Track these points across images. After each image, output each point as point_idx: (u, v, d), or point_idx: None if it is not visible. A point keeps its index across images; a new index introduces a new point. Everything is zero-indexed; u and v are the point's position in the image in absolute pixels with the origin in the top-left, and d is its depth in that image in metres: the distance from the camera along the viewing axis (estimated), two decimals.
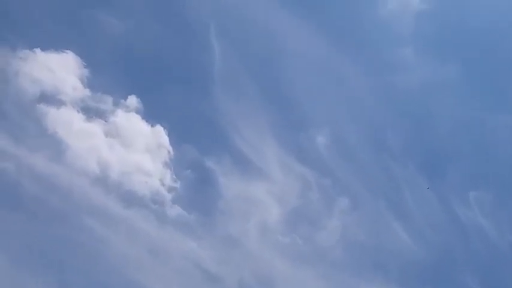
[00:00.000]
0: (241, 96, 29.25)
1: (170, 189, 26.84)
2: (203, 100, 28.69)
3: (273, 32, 30.72)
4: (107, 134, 26.85)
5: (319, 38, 30.88)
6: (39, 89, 26.39)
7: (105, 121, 26.98)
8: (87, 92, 27.13)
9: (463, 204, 28.91)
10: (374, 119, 30.33)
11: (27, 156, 25.26)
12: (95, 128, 26.77)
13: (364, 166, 29.32)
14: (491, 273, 27.80)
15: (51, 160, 25.65)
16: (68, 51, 27.30)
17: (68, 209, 25.25)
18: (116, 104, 27.31)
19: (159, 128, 27.52)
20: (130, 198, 26.07)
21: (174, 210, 26.47)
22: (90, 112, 26.90)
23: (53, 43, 27.07)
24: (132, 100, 27.54)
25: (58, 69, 26.93)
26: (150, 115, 27.54)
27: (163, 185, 26.81)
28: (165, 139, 27.46)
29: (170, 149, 27.42)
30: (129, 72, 28.45)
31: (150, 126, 27.50)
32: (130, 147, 27.03)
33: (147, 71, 28.70)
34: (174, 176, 27.09)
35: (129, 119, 27.33)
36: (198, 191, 27.49)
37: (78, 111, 26.72)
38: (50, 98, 26.47)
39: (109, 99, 27.27)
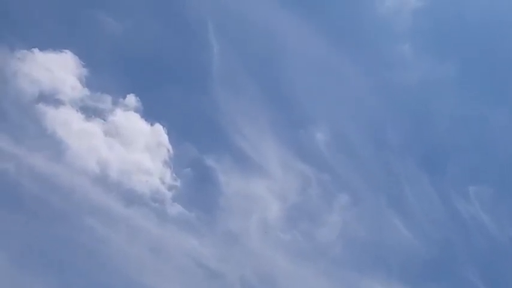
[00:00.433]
0: (241, 94, 29.29)
1: (170, 188, 26.87)
2: (202, 98, 28.74)
3: (271, 30, 30.75)
4: (106, 133, 26.84)
5: (318, 35, 30.91)
6: (37, 89, 26.38)
7: (104, 120, 26.99)
8: (86, 91, 27.12)
9: (463, 199, 28.99)
10: (373, 115, 30.37)
11: (27, 156, 25.26)
12: (94, 127, 26.74)
13: (364, 162, 29.37)
14: (492, 268, 27.86)
15: (51, 160, 25.64)
16: (66, 50, 27.28)
17: (68, 208, 25.25)
18: (115, 103, 27.31)
19: (159, 127, 27.52)
20: (130, 197, 26.09)
21: (175, 209, 26.48)
22: (89, 111, 26.92)
23: (51, 43, 27.09)
24: (131, 99, 27.55)
25: (56, 69, 26.90)
26: (149, 114, 27.56)
27: (163, 183, 26.81)
28: (164, 138, 27.46)
29: (170, 147, 27.43)
30: (128, 71, 28.44)
31: (149, 125, 27.50)
32: (130, 146, 27.03)
33: (146, 70, 28.72)
34: (174, 175, 27.13)
35: (128, 118, 27.31)
36: (198, 189, 27.51)
37: (77, 111, 26.71)
38: (49, 98, 26.47)
39: (108, 99, 27.27)
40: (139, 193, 26.28)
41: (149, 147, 27.28)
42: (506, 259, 27.99)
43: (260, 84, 29.63)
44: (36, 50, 26.81)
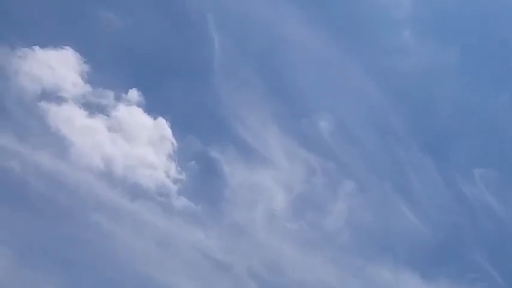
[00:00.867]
0: (242, 86, 29.24)
1: (175, 181, 26.86)
2: (204, 91, 28.72)
3: (270, 22, 30.64)
4: (110, 129, 26.84)
5: (317, 25, 30.78)
6: (39, 87, 26.35)
7: (107, 116, 26.97)
8: (88, 87, 27.08)
9: (468, 182, 29.00)
10: (376, 102, 30.28)
11: (32, 155, 25.28)
12: (98, 123, 26.74)
13: (368, 149, 29.35)
14: (500, 249, 27.91)
15: (55, 157, 25.66)
16: (67, 47, 27.21)
17: (73, 205, 25.28)
18: (117, 99, 27.28)
19: (162, 121, 27.50)
20: (135, 192, 26.10)
21: (180, 202, 26.49)
22: (92, 108, 26.88)
23: (51, 40, 27.03)
24: (133, 94, 27.52)
25: (58, 66, 26.86)
26: (152, 108, 27.54)
27: (168, 177, 26.82)
28: (167, 131, 27.44)
29: (173, 140, 27.42)
30: (129, 66, 28.39)
31: (152, 119, 27.48)
32: (134, 141, 27.04)
33: (147, 65, 28.67)
34: (178, 168, 27.11)
35: (131, 113, 27.29)
36: (204, 181, 27.52)
37: (79, 108, 26.70)
38: (51, 95, 26.45)
39: (110, 94, 27.22)
40: (145, 187, 26.34)
41: (153, 142, 27.30)
42: None
43: (261, 75, 29.63)
44: (36, 48, 26.80)
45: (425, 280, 26.93)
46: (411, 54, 31.22)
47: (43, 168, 25.28)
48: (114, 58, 28.25)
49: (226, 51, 29.51)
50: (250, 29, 30.43)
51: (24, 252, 23.93)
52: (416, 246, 27.76)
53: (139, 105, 27.47)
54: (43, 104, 26.19)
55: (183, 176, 27.01)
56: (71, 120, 26.34)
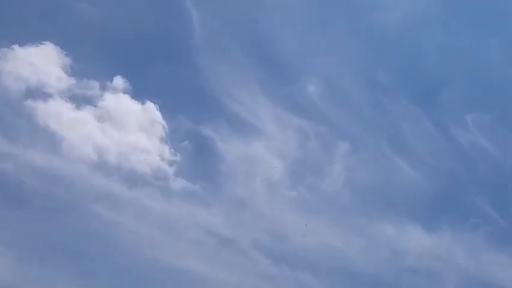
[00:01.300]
0: (227, 59, 29.08)
1: (171, 163, 26.87)
2: (189, 69, 28.59)
3: None
4: (99, 119, 26.78)
5: None
6: (24, 86, 26.29)
7: (95, 106, 26.91)
8: (72, 80, 27.01)
9: (461, 129, 29.02)
10: (362, 59, 30.13)
11: (24, 154, 25.27)
12: (86, 115, 26.69)
13: (359, 108, 29.31)
14: (499, 192, 27.93)
15: (48, 153, 25.65)
16: (46, 42, 27.11)
17: (72, 198, 25.34)
18: (103, 88, 27.20)
19: (150, 105, 27.43)
20: (132, 178, 26.11)
21: (178, 183, 26.49)
22: (79, 100, 26.80)
23: (29, 37, 26.89)
24: (118, 81, 27.44)
25: (39, 63, 26.77)
26: (139, 93, 27.45)
27: (163, 160, 26.83)
28: (157, 114, 27.39)
29: (164, 123, 27.38)
30: (111, 53, 28.27)
31: (140, 104, 27.43)
32: (124, 128, 27.00)
33: (129, 50, 28.54)
34: (172, 150, 27.11)
35: (118, 101, 27.22)
36: (199, 160, 27.51)
37: (66, 101, 26.63)
38: (36, 93, 26.40)
39: (95, 84, 27.15)
40: (141, 173, 26.35)
41: (143, 126, 27.26)
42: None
43: (244, 46, 29.43)
44: (16, 47, 26.69)
45: (429, 231, 27.03)
46: (392, 7, 30.96)
47: (37, 166, 25.34)
48: (95, 48, 28.14)
49: (206, 25, 29.34)
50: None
51: (29, 251, 24.01)
52: (416, 198, 27.86)
53: (125, 91, 27.44)
54: (29, 102, 26.19)
55: (177, 157, 27.05)
56: (59, 115, 26.31)
